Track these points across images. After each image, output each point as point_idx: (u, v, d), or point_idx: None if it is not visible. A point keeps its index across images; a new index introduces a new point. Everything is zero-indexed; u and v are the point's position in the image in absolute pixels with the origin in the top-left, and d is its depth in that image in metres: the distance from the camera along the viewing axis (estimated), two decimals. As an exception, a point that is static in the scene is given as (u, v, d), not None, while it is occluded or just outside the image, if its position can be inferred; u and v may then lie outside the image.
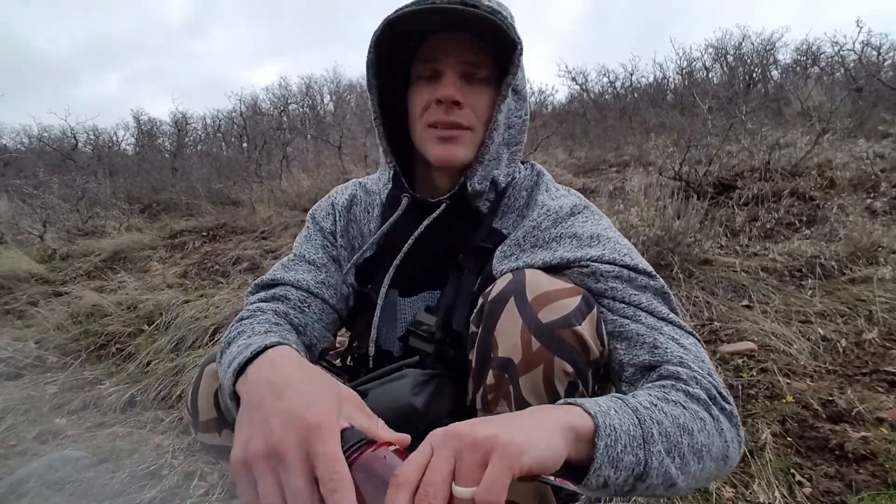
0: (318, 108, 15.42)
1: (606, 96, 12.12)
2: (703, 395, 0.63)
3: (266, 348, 0.64)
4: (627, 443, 0.53)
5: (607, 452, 0.51)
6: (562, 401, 0.57)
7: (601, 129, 8.62)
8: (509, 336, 0.70)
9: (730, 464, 0.65)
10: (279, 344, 0.66)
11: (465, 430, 0.47)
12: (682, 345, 0.70)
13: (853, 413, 1.55)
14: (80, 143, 11.51)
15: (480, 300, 0.77)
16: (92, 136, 12.18)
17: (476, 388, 0.75)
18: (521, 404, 0.69)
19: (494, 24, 0.74)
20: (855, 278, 2.42)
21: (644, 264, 0.78)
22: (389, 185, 0.90)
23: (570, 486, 0.52)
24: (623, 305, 0.74)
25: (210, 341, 2.56)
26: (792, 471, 1.35)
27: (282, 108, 13.70)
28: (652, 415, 0.56)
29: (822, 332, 2.04)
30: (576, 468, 0.52)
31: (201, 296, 3.08)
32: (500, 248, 0.83)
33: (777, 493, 1.27)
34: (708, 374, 0.67)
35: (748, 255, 2.90)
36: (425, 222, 0.84)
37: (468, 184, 0.83)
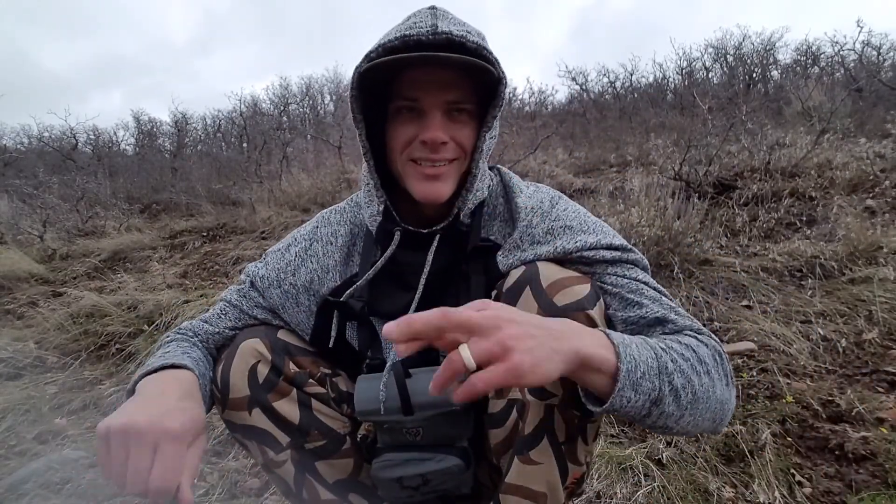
0: (319, 108, 15.43)
1: (606, 96, 12.12)
2: (705, 350, 0.72)
3: (171, 367, 0.79)
4: (646, 371, 0.62)
5: (629, 377, 0.61)
6: (598, 328, 0.66)
7: (601, 129, 8.62)
8: None
9: (727, 409, 0.73)
10: (183, 367, 0.80)
11: (508, 318, 0.56)
12: (678, 312, 0.79)
13: (853, 413, 1.55)
14: (80, 144, 11.52)
15: (494, 291, 0.82)
16: (92, 137, 12.20)
17: None
18: (532, 389, 0.76)
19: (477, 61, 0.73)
20: (855, 278, 2.42)
21: (626, 243, 0.86)
22: (379, 218, 0.88)
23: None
24: (626, 280, 0.82)
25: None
26: (792, 471, 1.35)
27: (282, 108, 13.70)
28: (668, 353, 0.67)
29: (822, 332, 2.04)
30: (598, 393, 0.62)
31: (201, 296, 3.08)
32: (500, 252, 0.85)
33: (777, 493, 1.27)
34: (707, 335, 0.76)
35: (748, 255, 2.90)
36: (430, 256, 0.85)
37: (461, 215, 0.85)
